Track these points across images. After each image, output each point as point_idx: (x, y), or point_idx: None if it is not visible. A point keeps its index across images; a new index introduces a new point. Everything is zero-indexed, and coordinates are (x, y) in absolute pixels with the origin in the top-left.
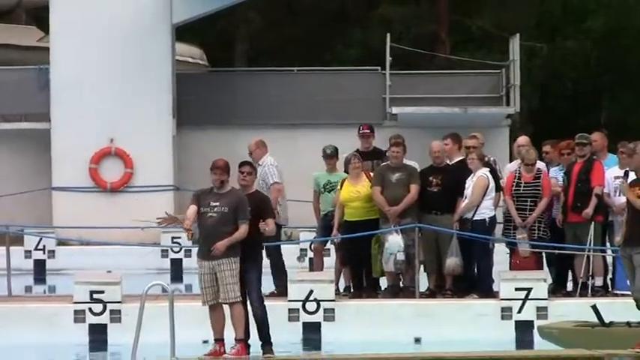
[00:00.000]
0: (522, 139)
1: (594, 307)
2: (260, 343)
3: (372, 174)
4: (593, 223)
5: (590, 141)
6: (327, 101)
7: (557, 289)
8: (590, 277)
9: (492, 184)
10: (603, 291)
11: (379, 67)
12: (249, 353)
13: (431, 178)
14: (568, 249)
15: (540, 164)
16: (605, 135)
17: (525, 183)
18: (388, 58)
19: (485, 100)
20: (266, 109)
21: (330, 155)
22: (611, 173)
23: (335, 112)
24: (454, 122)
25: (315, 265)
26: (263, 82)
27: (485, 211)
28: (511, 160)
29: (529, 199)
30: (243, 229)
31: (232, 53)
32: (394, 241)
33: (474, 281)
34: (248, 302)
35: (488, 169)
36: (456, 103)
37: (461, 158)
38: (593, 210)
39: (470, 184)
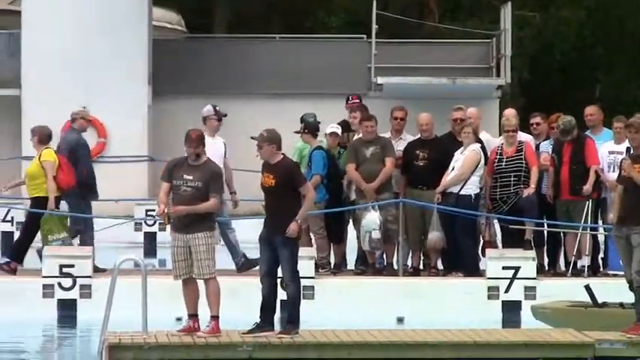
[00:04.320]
0: (507, 112)
1: (587, 288)
2: (286, 321)
3: None
4: (589, 201)
5: (571, 127)
6: (310, 70)
7: (548, 269)
8: (581, 256)
9: (483, 160)
10: (590, 271)
11: (364, 36)
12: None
13: (417, 152)
14: (560, 227)
15: (526, 136)
16: (601, 109)
17: (507, 158)
18: (374, 26)
19: (474, 71)
20: (246, 78)
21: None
22: (606, 148)
23: (319, 82)
24: (442, 93)
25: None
26: (243, 50)
27: (471, 187)
28: (501, 134)
29: (512, 175)
30: (210, 203)
31: (211, 19)
32: (370, 219)
33: (459, 259)
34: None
35: (480, 144)
36: (444, 74)
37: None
38: (591, 187)
39: (459, 157)
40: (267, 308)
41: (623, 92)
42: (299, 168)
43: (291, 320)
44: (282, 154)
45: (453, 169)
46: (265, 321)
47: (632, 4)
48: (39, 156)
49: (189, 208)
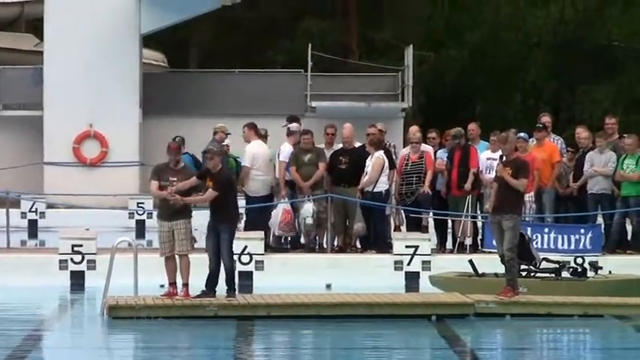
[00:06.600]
0: (412, 128)
1: (471, 262)
2: (226, 288)
3: None
4: (470, 196)
5: (460, 134)
6: (261, 96)
7: (439, 247)
8: (465, 237)
9: (387, 163)
10: (472, 248)
11: (302, 70)
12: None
13: (341, 158)
14: (449, 215)
15: (427, 147)
16: (479, 125)
17: (412, 162)
18: (309, 63)
19: (385, 97)
20: (213, 102)
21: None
22: (485, 155)
23: (267, 105)
24: (360, 114)
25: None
26: (211, 80)
27: (382, 185)
28: (405, 145)
29: (414, 175)
30: (194, 198)
31: (187, 57)
32: (306, 209)
33: (373, 240)
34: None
35: (383, 151)
36: (362, 99)
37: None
38: (471, 185)
39: (369, 163)
40: (211, 280)
41: (496, 112)
42: (231, 176)
43: (229, 287)
44: (221, 164)
45: (366, 173)
46: (209, 289)
47: (502, 46)
48: None
49: (187, 198)
